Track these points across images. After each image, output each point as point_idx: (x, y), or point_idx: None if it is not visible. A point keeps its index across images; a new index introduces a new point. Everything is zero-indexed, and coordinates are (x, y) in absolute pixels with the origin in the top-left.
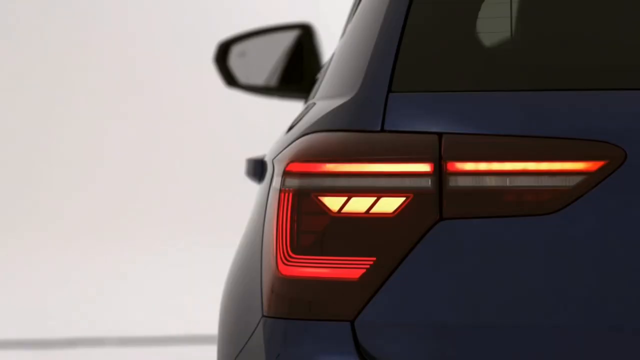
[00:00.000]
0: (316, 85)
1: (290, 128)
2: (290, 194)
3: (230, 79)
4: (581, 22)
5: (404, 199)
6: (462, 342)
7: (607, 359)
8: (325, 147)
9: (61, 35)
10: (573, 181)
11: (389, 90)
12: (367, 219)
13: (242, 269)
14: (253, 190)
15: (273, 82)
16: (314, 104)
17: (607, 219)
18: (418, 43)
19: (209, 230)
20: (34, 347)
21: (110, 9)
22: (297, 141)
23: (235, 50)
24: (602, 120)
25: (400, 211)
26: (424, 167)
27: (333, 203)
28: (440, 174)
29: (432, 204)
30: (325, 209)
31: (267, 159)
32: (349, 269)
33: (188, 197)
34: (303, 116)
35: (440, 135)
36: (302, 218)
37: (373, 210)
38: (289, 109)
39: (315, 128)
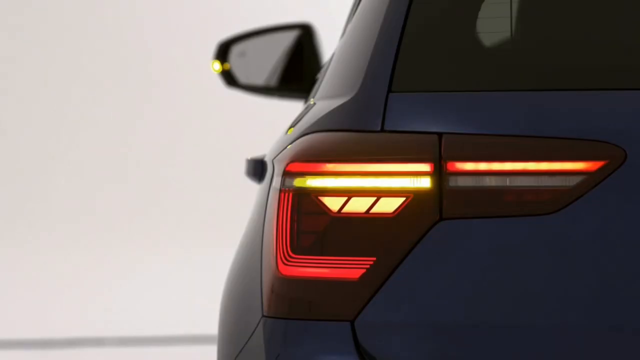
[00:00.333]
0: (316, 85)
1: (290, 128)
2: (290, 194)
3: (230, 79)
4: (581, 22)
5: (404, 199)
6: (462, 342)
7: (607, 359)
8: (325, 147)
9: (61, 35)
10: (573, 181)
11: (389, 90)
12: (367, 219)
13: (242, 269)
14: (253, 190)
15: (273, 82)
16: (314, 104)
17: (607, 219)
18: (418, 43)
19: (209, 230)
20: (34, 347)
21: (110, 9)
22: (297, 141)
23: (235, 50)
24: (602, 120)
25: (400, 211)
26: (424, 167)
27: (333, 203)
28: (440, 174)
29: (432, 204)
30: (325, 209)
31: (267, 159)
32: (349, 269)
33: (188, 197)
34: (303, 116)
35: (440, 135)
36: (302, 218)
37: (373, 210)
38: (289, 109)
39: (315, 128)
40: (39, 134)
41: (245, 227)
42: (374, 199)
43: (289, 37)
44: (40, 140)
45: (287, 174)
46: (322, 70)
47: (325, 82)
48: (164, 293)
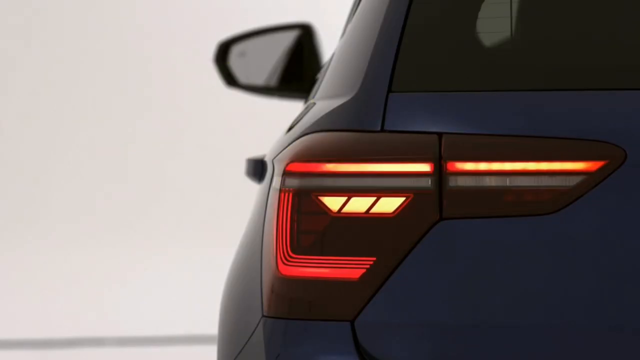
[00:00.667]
0: (316, 85)
1: (290, 128)
2: (290, 194)
3: (230, 79)
4: (581, 22)
5: (404, 199)
6: (462, 342)
7: (607, 359)
8: (325, 147)
9: (61, 34)
10: (573, 181)
11: (389, 90)
12: (367, 219)
13: (242, 269)
14: (253, 190)
15: (273, 82)
16: (314, 104)
17: (607, 219)
18: (418, 43)
19: (209, 230)
20: (34, 347)
21: (109, 8)
22: (297, 141)
23: (235, 50)
24: (602, 120)
25: (400, 211)
26: (424, 167)
27: (333, 203)
28: (440, 174)
29: (432, 204)
30: (325, 209)
31: (267, 159)
32: (349, 269)
33: (188, 197)
34: (303, 116)
35: (440, 135)
36: (302, 218)
37: (373, 210)
38: (289, 109)
39: (315, 128)
40: (38, 134)
41: (245, 227)
42: (374, 199)
43: (289, 37)
44: (40, 140)
45: (287, 174)
46: (322, 70)
47: (325, 82)
48: (164, 293)
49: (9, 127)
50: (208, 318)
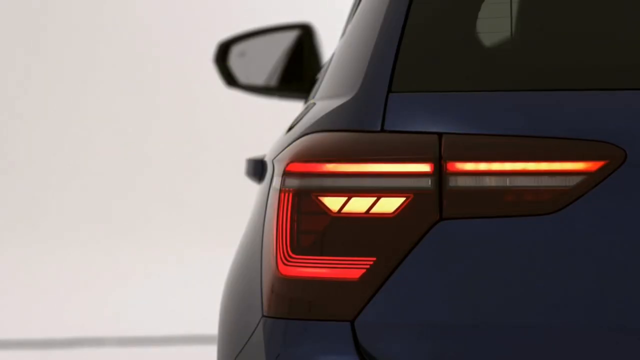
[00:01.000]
0: (316, 85)
1: (290, 128)
2: (290, 194)
3: (230, 79)
4: (581, 22)
5: (404, 199)
6: (462, 342)
7: (607, 359)
8: (325, 147)
9: (60, 34)
10: (573, 181)
11: (389, 90)
12: (367, 219)
13: (242, 269)
14: (253, 190)
15: (273, 82)
16: (314, 104)
17: (607, 219)
18: (418, 43)
19: (209, 230)
20: (34, 347)
21: (110, 9)
22: (297, 141)
23: (235, 50)
24: (602, 120)
25: (400, 211)
26: (424, 167)
27: (333, 203)
28: (440, 174)
29: (432, 204)
30: (325, 209)
31: (267, 159)
32: (349, 269)
33: (187, 197)
34: (303, 116)
35: (440, 135)
36: (302, 218)
37: (373, 210)
38: (289, 109)
39: (315, 128)
40: (39, 134)
41: (245, 227)
42: (374, 199)
43: (289, 37)
44: (41, 140)
45: (287, 174)
46: (322, 70)
47: (325, 82)
48: (164, 293)
49: (11, 127)
50: (208, 318)
